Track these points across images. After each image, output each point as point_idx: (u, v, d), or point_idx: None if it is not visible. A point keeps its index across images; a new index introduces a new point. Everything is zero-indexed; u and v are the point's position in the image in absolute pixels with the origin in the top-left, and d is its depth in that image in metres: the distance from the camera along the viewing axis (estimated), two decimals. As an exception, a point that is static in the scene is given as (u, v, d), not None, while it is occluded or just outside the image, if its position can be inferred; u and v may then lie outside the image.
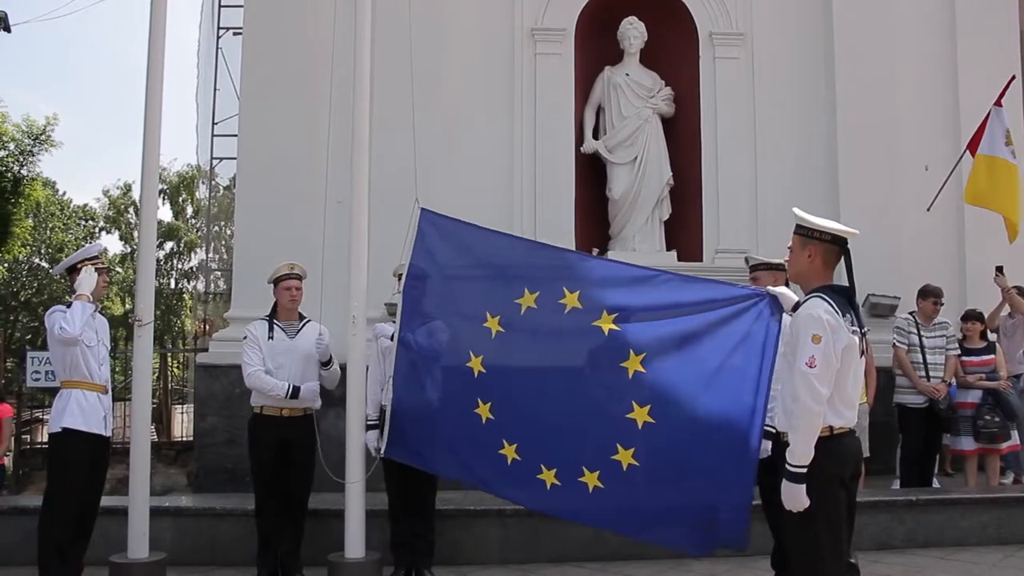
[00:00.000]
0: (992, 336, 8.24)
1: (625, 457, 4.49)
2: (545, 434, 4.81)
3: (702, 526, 4.44)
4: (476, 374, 5.01)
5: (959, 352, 7.75)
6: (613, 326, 4.59)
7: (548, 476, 4.74)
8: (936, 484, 7.78)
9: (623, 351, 4.53)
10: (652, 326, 4.59)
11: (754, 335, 4.23)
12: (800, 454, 3.38)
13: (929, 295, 7.78)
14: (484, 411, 4.97)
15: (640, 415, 4.45)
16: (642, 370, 4.48)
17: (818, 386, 3.37)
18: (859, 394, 3.70)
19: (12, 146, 16.64)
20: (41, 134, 17.02)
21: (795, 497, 3.39)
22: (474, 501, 6.41)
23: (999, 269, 8.13)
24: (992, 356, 7.80)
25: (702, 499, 4.40)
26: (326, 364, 5.77)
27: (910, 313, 7.93)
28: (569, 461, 4.69)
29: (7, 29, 14.04)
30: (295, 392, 5.52)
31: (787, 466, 3.40)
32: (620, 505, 4.64)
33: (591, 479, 4.60)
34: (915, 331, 7.71)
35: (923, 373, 7.58)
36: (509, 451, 4.87)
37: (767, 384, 4.20)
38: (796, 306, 3.86)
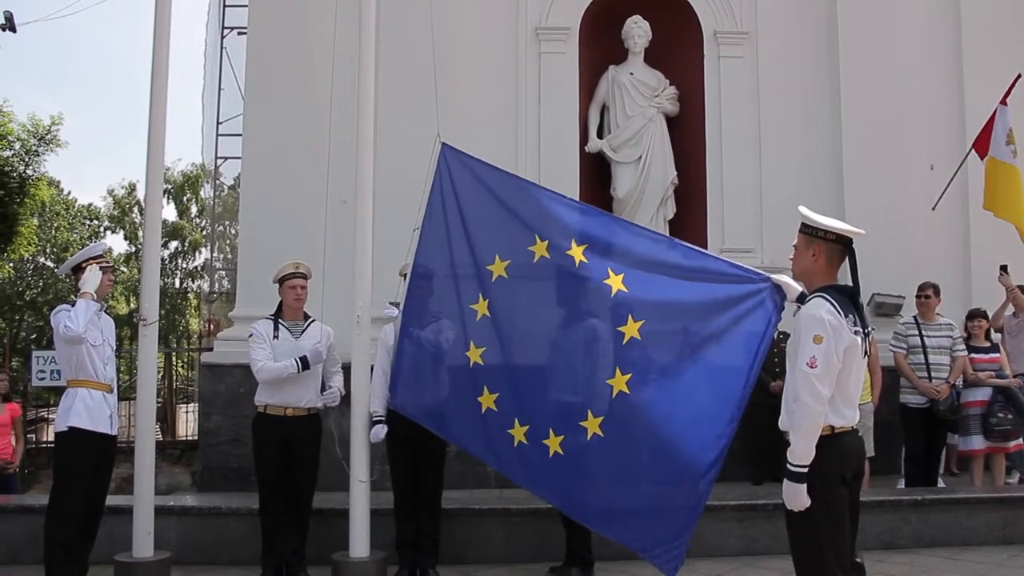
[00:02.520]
0: (996, 336, 8.22)
1: (592, 425, 4.44)
2: (527, 388, 4.76)
3: (647, 525, 4.35)
4: (479, 317, 4.95)
5: (967, 353, 7.70)
6: (622, 287, 4.51)
7: (518, 433, 4.70)
8: (941, 484, 7.76)
9: (623, 315, 4.46)
10: (655, 290, 4.50)
11: (750, 324, 4.16)
12: (801, 453, 3.38)
13: (920, 290, 7.78)
14: (474, 355, 4.93)
15: (618, 383, 4.40)
16: (638, 337, 4.41)
17: (819, 386, 3.36)
18: (860, 393, 3.69)
19: (18, 146, 16.64)
20: (47, 134, 17.03)
21: (796, 496, 3.38)
22: (479, 501, 6.42)
23: (1004, 268, 8.11)
24: (998, 355, 7.78)
25: (653, 494, 4.32)
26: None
27: (912, 317, 7.90)
28: (540, 420, 4.64)
29: (13, 29, 14.10)
30: (304, 362, 5.52)
31: (788, 465, 3.40)
32: (572, 479, 4.56)
33: (553, 443, 4.56)
34: (916, 332, 7.66)
35: (925, 374, 7.54)
36: (488, 400, 4.84)
37: (754, 376, 4.15)
38: (800, 297, 3.86)
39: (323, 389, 5.78)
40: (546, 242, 4.77)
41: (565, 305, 4.84)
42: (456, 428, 5.14)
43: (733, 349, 4.20)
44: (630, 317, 4.44)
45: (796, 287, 3.99)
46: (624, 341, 4.44)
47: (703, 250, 4.90)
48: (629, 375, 4.39)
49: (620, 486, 4.46)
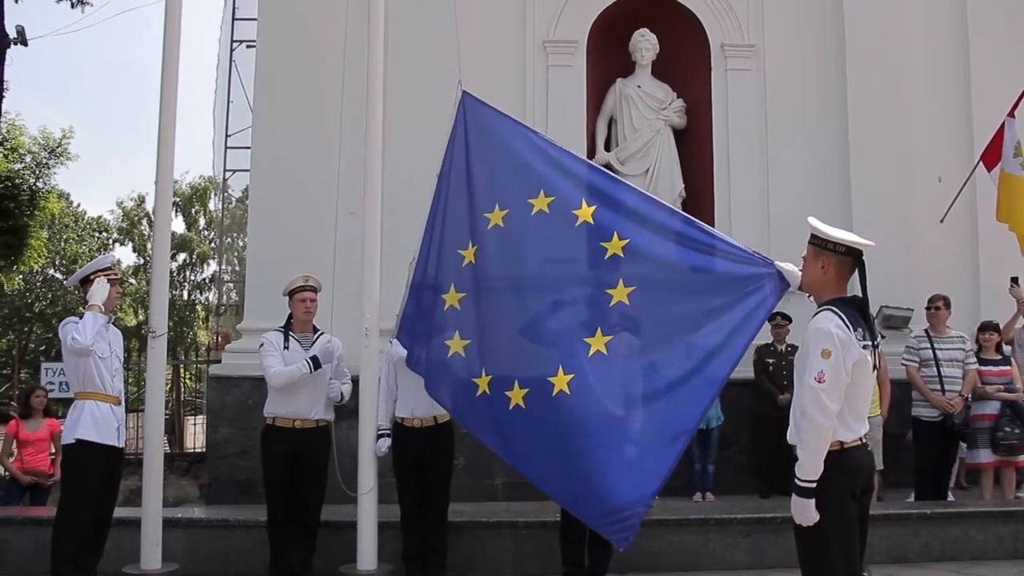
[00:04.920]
0: (1007, 348, 8.18)
1: (560, 382, 4.38)
2: (500, 338, 4.73)
3: (600, 493, 4.25)
4: (465, 263, 4.92)
5: (977, 365, 7.65)
6: (619, 252, 4.47)
7: (482, 383, 4.67)
8: (951, 497, 7.72)
9: (614, 279, 4.43)
10: (656, 261, 4.46)
11: (747, 306, 4.13)
12: (809, 469, 3.35)
13: (930, 302, 7.74)
14: (452, 299, 4.92)
15: (597, 342, 4.36)
16: (626, 302, 4.38)
17: (827, 401, 3.33)
18: (870, 407, 3.66)
19: (28, 159, 16.71)
20: (57, 147, 17.10)
21: (804, 511, 3.36)
22: (487, 513, 6.41)
23: (1014, 280, 8.09)
24: (1009, 367, 7.72)
25: (613, 461, 4.22)
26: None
27: (924, 330, 7.86)
28: (506, 371, 4.61)
29: (24, 43, 14.21)
30: (316, 362, 5.53)
31: (796, 480, 3.37)
32: (529, 435, 4.51)
33: (516, 395, 4.52)
34: (928, 346, 7.61)
35: (938, 387, 7.50)
36: (457, 344, 4.82)
37: (738, 358, 4.12)
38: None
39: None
40: (552, 197, 4.70)
41: (553, 261, 4.74)
42: (430, 376, 5.11)
43: (724, 329, 4.16)
44: (621, 282, 4.41)
45: (798, 275, 3.93)
46: (611, 303, 4.40)
47: (713, 229, 4.81)
48: (610, 337, 4.36)
49: (578, 448, 4.34)
